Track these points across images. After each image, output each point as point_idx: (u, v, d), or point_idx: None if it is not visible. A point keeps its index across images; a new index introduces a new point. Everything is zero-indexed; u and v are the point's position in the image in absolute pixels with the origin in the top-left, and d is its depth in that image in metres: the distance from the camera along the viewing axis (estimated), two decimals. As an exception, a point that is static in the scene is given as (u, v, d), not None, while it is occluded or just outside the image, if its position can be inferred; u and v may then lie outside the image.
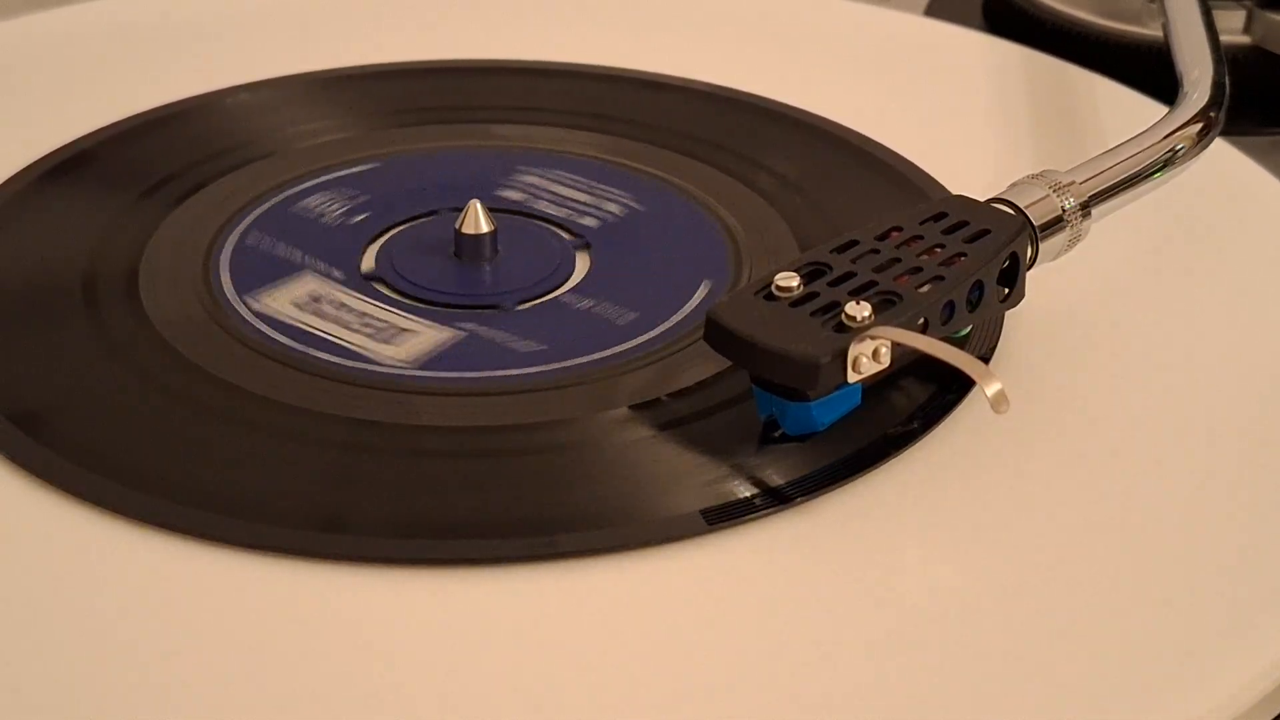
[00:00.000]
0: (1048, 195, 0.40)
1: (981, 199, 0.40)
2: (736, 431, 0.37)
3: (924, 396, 0.38)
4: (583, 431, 0.37)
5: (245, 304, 0.41)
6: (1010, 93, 0.54)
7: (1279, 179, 0.48)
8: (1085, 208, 0.40)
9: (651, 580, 0.33)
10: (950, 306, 0.37)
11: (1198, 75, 0.46)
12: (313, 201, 0.46)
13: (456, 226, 0.43)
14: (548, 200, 0.46)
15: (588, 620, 0.32)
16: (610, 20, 0.58)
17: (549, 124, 0.51)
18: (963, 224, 0.39)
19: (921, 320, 0.36)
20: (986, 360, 0.39)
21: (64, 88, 0.53)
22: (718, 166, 0.48)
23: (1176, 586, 0.34)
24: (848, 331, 0.35)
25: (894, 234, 0.38)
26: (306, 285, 0.42)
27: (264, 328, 0.40)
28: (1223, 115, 0.45)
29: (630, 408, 0.38)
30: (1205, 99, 0.45)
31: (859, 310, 0.35)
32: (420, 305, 0.42)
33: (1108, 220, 0.42)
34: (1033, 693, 0.31)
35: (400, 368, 0.39)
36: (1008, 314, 0.40)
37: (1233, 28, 0.59)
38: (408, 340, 0.40)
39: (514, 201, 0.46)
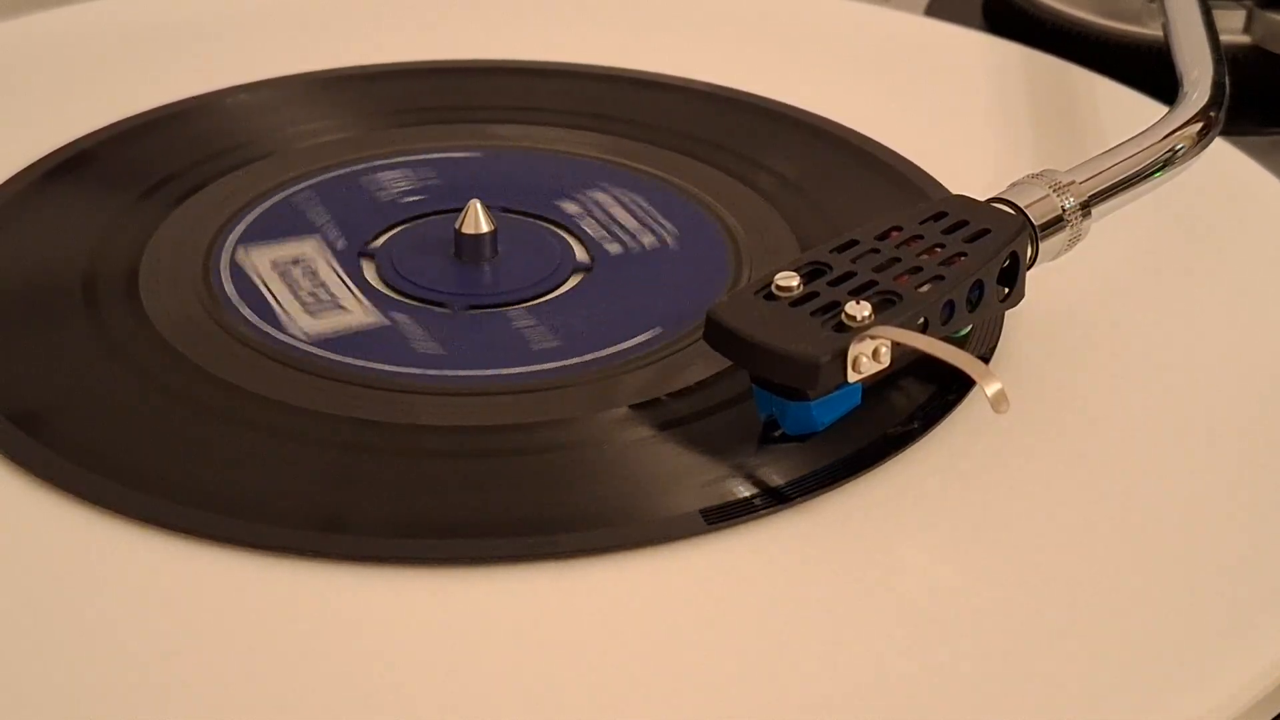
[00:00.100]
0: (1048, 195, 0.40)
1: (981, 199, 0.40)
2: (736, 431, 0.37)
3: (924, 396, 0.38)
4: (583, 431, 0.37)
5: (234, 250, 0.42)
6: (1010, 93, 0.54)
7: (1279, 179, 0.48)
8: (1085, 208, 0.40)
9: (651, 580, 0.33)
10: (950, 306, 0.37)
11: (1198, 75, 0.46)
12: (386, 177, 0.47)
13: (456, 226, 0.43)
14: (597, 219, 0.45)
15: (588, 620, 0.32)
16: (610, 20, 0.58)
17: (549, 124, 0.51)
18: (963, 224, 0.39)
19: (921, 320, 0.36)
20: (986, 360, 0.39)
21: (64, 88, 0.53)
22: (718, 166, 0.48)
23: (1176, 586, 0.34)
24: (848, 331, 0.35)
25: (894, 234, 0.38)
26: (302, 248, 0.42)
27: (224, 276, 0.41)
28: (1223, 115, 0.45)
29: (630, 408, 0.38)
30: (1205, 99, 0.45)
31: (859, 310, 0.35)
32: (390, 293, 0.42)
33: (1108, 220, 0.42)
34: (1032, 693, 0.31)
35: (298, 341, 0.40)
36: (1008, 314, 0.40)
37: (1233, 28, 0.59)
38: (331, 317, 0.40)
39: (568, 215, 0.46)
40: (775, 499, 0.35)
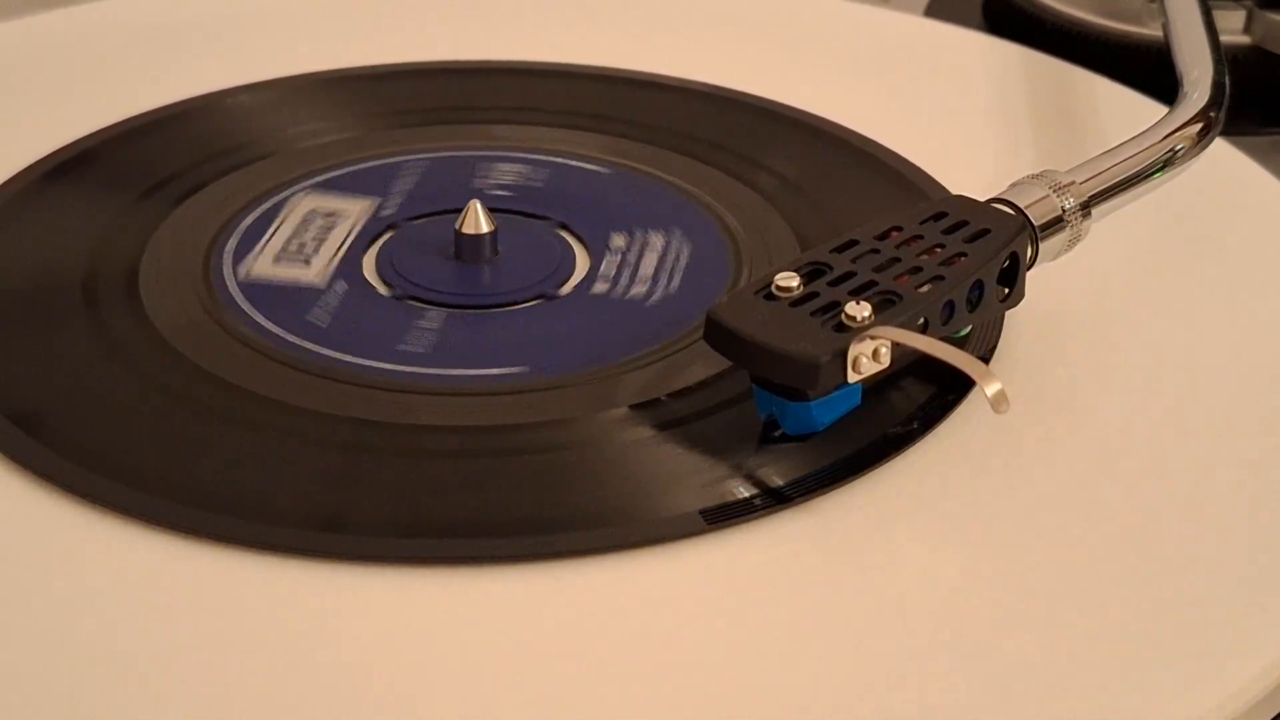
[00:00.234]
0: (1048, 195, 0.40)
1: (981, 199, 0.40)
2: (736, 431, 0.37)
3: (924, 396, 0.38)
4: (583, 431, 0.37)
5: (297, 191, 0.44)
6: (1010, 93, 0.54)
7: (1279, 179, 0.48)
8: (1085, 208, 0.40)
9: (651, 580, 0.33)
10: (950, 306, 0.37)
11: (1198, 75, 0.46)
12: (497, 169, 0.47)
13: (456, 226, 0.43)
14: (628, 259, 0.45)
15: (588, 620, 0.32)
16: (609, 20, 0.58)
17: (549, 124, 0.51)
18: (963, 224, 0.39)
19: (921, 320, 0.36)
20: (986, 360, 0.39)
21: (64, 88, 0.53)
22: (718, 166, 0.48)
23: (1176, 586, 0.34)
24: (848, 331, 0.35)
25: (894, 234, 0.38)
26: (351, 206, 0.44)
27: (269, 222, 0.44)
28: (1223, 115, 0.45)
29: (630, 408, 0.38)
30: (1205, 99, 0.45)
31: (859, 310, 0.35)
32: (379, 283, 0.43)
33: (1108, 220, 0.42)
34: (1032, 693, 0.31)
35: (228, 278, 0.42)
36: (1008, 314, 0.40)
37: (1233, 28, 0.59)
38: (286, 268, 0.42)
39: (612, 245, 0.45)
40: (775, 499, 0.35)
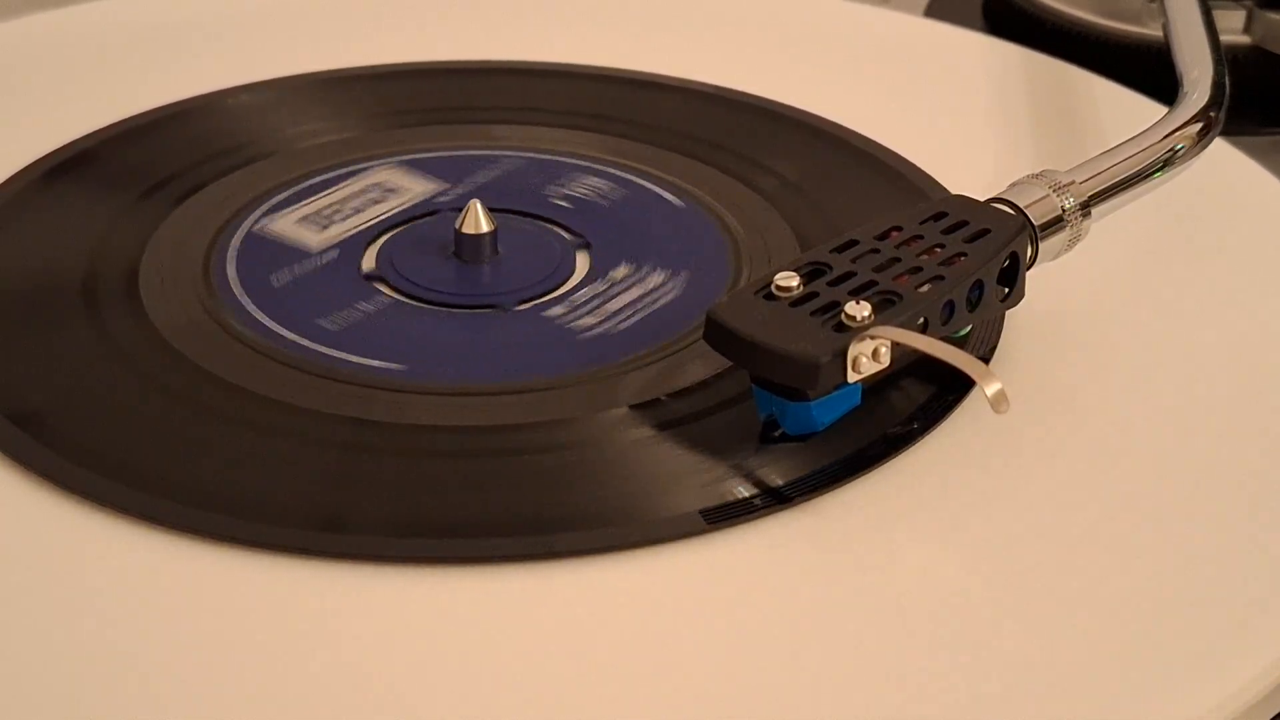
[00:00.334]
0: (1048, 195, 0.40)
1: (981, 199, 0.40)
2: (736, 431, 0.37)
3: (924, 397, 0.38)
4: (583, 431, 0.37)
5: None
6: (1010, 93, 0.54)
7: (1279, 179, 0.48)
8: (1085, 208, 0.40)
9: (651, 580, 0.33)
10: (950, 306, 0.37)
11: (1198, 75, 0.46)
12: (581, 180, 0.47)
13: (456, 226, 0.43)
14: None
15: (587, 620, 0.32)
16: (609, 20, 0.58)
17: (549, 124, 0.51)
18: (963, 224, 0.39)
19: (921, 320, 0.36)
20: (986, 360, 0.39)
21: (64, 88, 0.53)
22: (718, 166, 0.48)
23: (1176, 586, 0.34)
24: (847, 331, 0.35)
25: (894, 234, 0.38)
26: (414, 187, 0.46)
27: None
28: (1223, 115, 0.45)
29: (630, 408, 0.38)
30: (1205, 99, 0.45)
31: (859, 310, 0.35)
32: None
33: (1108, 220, 0.42)
34: (1032, 692, 0.31)
35: (261, 233, 0.44)
36: (1008, 314, 0.40)
37: (1233, 28, 0.59)
38: (305, 231, 0.44)
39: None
40: (775, 499, 0.35)
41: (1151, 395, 0.39)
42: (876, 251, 0.38)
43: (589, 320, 0.41)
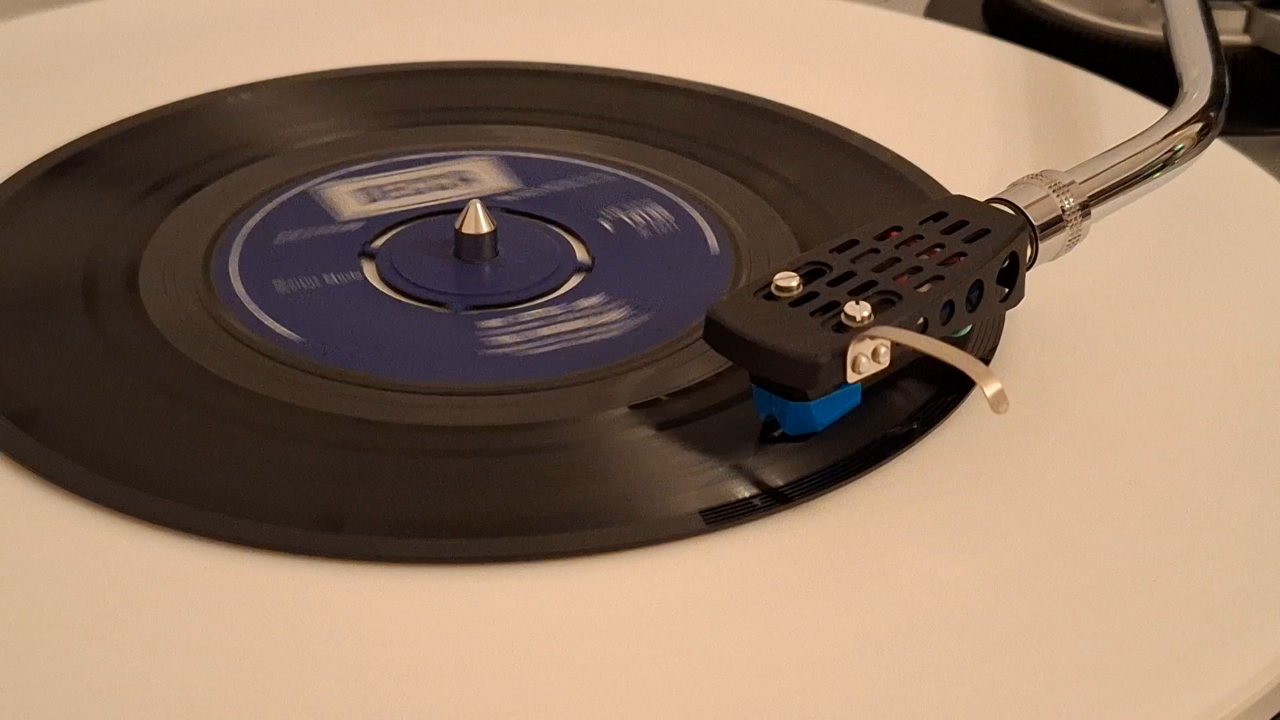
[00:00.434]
0: (1047, 195, 0.40)
1: (981, 199, 0.40)
2: (736, 431, 0.37)
3: (924, 397, 0.38)
4: (583, 431, 0.37)
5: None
6: (1010, 94, 0.54)
7: (1279, 179, 0.48)
8: (1085, 208, 0.40)
9: (651, 580, 0.33)
10: (950, 306, 0.37)
11: (1198, 75, 0.46)
12: (635, 200, 0.47)
13: (457, 226, 0.43)
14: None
15: (587, 620, 0.32)
16: (610, 20, 0.58)
17: (549, 124, 0.51)
18: (962, 224, 0.39)
19: (921, 320, 0.36)
20: (986, 360, 0.39)
21: (64, 88, 0.53)
22: (718, 167, 0.48)
23: (1176, 585, 0.34)
24: (847, 331, 0.35)
25: (894, 234, 0.38)
26: (489, 180, 0.46)
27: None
28: (1223, 115, 0.45)
29: (630, 408, 0.38)
30: (1205, 99, 0.45)
31: (858, 310, 0.35)
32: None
33: (1108, 220, 0.42)
34: (1033, 692, 0.31)
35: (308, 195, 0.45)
36: (1008, 314, 0.40)
37: (1233, 28, 0.59)
38: (360, 204, 0.45)
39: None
40: (775, 499, 0.35)
41: (1151, 394, 0.39)
42: (876, 251, 0.38)
43: (508, 339, 0.40)
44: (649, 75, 0.54)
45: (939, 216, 0.39)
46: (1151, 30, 0.59)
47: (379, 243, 0.44)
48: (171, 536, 0.34)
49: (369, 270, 0.43)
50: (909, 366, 0.38)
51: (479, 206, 0.43)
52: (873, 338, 0.35)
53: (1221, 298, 0.43)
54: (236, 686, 0.31)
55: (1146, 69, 0.55)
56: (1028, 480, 0.37)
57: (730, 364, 0.37)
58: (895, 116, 0.52)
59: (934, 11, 0.66)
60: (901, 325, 0.36)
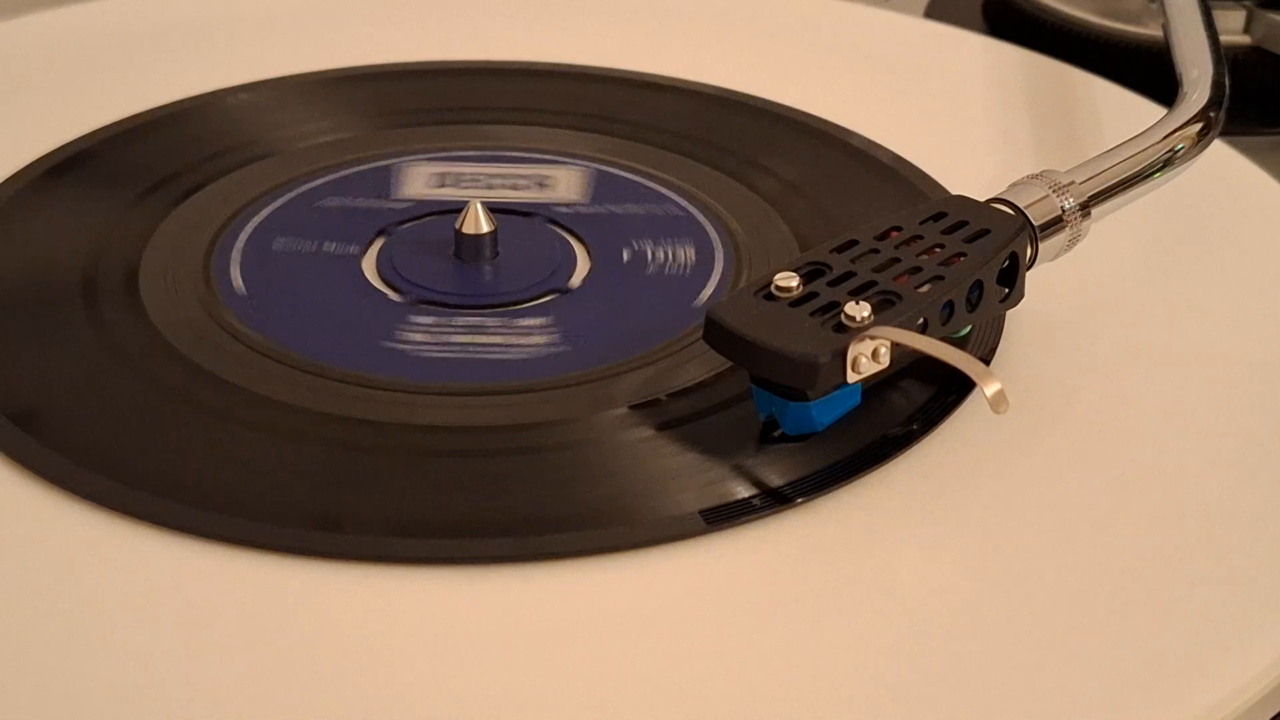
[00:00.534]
0: (1047, 195, 0.40)
1: (981, 199, 0.40)
2: (736, 431, 0.37)
3: (924, 397, 0.38)
4: (583, 431, 0.37)
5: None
6: (1010, 94, 0.54)
7: (1279, 179, 0.48)
8: (1085, 208, 0.40)
9: (650, 580, 0.33)
10: (950, 306, 0.37)
11: (1198, 75, 0.46)
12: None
13: (457, 226, 0.43)
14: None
15: (587, 620, 0.32)
16: (610, 20, 0.58)
17: (549, 124, 0.51)
18: (962, 224, 0.39)
19: (921, 320, 0.36)
20: (986, 360, 0.39)
21: (64, 88, 0.53)
22: (718, 167, 0.48)
23: (1176, 586, 0.34)
24: (847, 331, 0.35)
25: (893, 234, 0.38)
26: (568, 186, 0.47)
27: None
28: (1222, 115, 0.45)
29: (630, 408, 0.38)
30: (1205, 99, 0.45)
31: (858, 310, 0.35)
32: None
33: (1108, 220, 0.42)
34: (1033, 693, 0.31)
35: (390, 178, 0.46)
36: (1008, 314, 0.40)
37: (1233, 28, 0.59)
38: (421, 190, 0.46)
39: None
40: (775, 499, 0.35)
41: (1151, 395, 0.39)
42: (876, 251, 0.38)
43: (421, 337, 0.40)
44: (649, 75, 0.54)
45: (939, 217, 0.39)
46: (1151, 30, 0.59)
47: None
48: (171, 536, 0.34)
49: (368, 268, 0.43)
50: (909, 366, 0.38)
51: (479, 206, 0.43)
52: (873, 338, 0.35)
53: (1221, 298, 0.43)
54: (236, 686, 0.31)
55: (1146, 69, 0.55)
56: (1028, 480, 0.37)
57: (730, 364, 0.37)
58: (895, 116, 0.52)
59: (934, 11, 0.66)
60: (901, 325, 0.36)
